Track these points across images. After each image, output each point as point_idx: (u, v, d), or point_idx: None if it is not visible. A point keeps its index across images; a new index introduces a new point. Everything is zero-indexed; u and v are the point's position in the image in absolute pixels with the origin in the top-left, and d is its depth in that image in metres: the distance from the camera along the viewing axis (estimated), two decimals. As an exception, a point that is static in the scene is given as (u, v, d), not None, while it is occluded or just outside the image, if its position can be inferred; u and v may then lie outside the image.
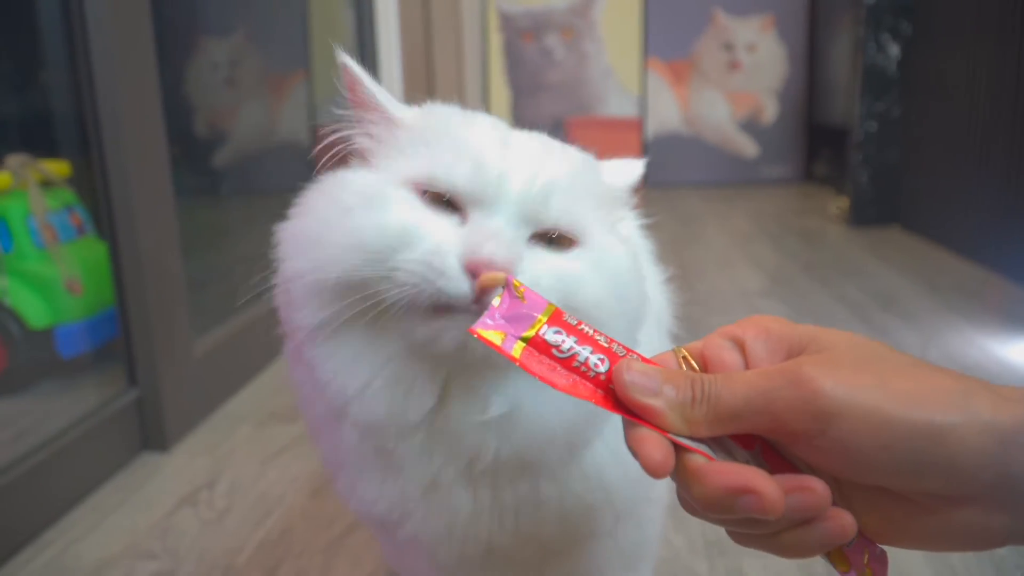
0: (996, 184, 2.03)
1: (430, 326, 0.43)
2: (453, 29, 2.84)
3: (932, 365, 0.35)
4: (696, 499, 0.34)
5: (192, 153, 2.03)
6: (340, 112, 0.51)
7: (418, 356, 0.45)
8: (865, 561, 0.35)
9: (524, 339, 0.35)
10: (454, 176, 0.45)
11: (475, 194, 0.45)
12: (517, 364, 0.35)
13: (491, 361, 0.43)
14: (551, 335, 0.36)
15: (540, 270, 0.44)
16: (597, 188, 0.51)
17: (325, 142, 0.52)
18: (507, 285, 0.37)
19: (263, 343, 1.59)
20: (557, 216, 0.46)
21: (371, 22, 2.35)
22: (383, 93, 0.50)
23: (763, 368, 0.36)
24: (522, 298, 0.37)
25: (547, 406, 0.46)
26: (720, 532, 0.95)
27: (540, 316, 0.36)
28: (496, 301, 0.37)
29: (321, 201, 0.48)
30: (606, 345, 0.36)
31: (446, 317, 0.43)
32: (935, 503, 0.34)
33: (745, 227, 2.75)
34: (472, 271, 0.41)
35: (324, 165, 0.52)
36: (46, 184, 1.35)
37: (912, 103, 2.58)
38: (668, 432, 0.35)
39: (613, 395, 0.35)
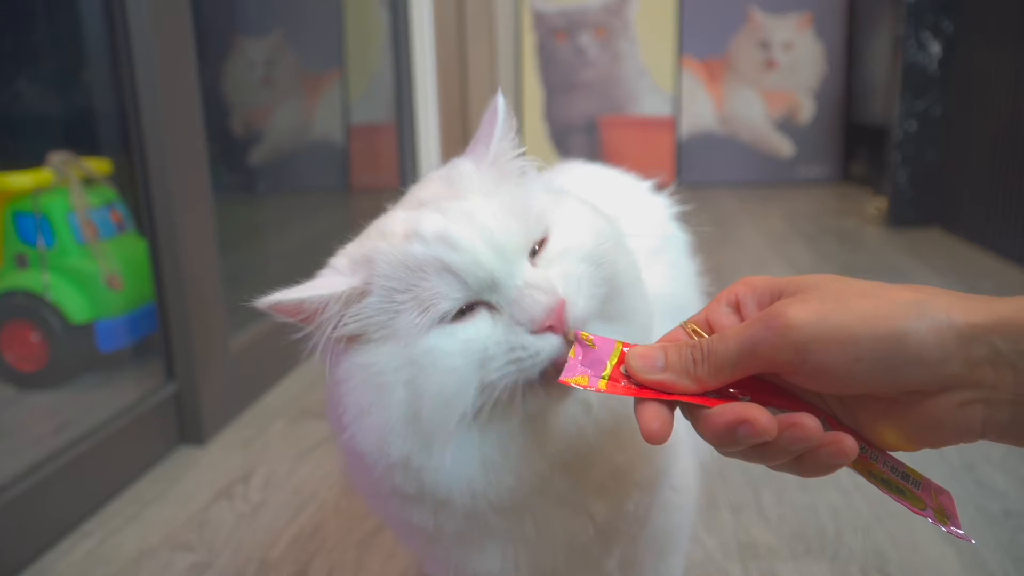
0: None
1: (544, 396, 0.47)
2: (487, 28, 2.84)
3: (896, 284, 0.40)
4: (709, 441, 0.40)
5: (229, 151, 2.06)
6: (302, 332, 0.51)
7: (530, 423, 0.49)
8: (935, 499, 0.42)
9: (605, 377, 0.43)
10: (453, 295, 0.46)
11: (475, 290, 0.46)
12: (605, 393, 0.43)
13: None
14: (623, 369, 0.43)
15: (569, 274, 0.48)
16: (497, 174, 0.53)
17: (312, 351, 0.51)
18: (578, 339, 0.44)
19: (300, 340, 1.60)
20: (531, 230, 0.49)
21: (406, 22, 2.36)
22: (314, 288, 0.49)
23: (748, 319, 0.42)
24: (593, 345, 0.44)
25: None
26: (753, 534, 0.95)
27: (612, 355, 0.44)
28: (572, 354, 0.44)
29: (372, 395, 0.47)
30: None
31: (547, 389, 0.47)
32: (915, 398, 0.39)
33: (780, 228, 2.72)
34: (546, 329, 0.45)
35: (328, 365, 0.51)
36: (88, 181, 1.37)
37: (953, 102, 2.53)
38: (683, 395, 0.41)
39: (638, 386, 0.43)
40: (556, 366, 0.45)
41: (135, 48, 1.14)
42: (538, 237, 0.49)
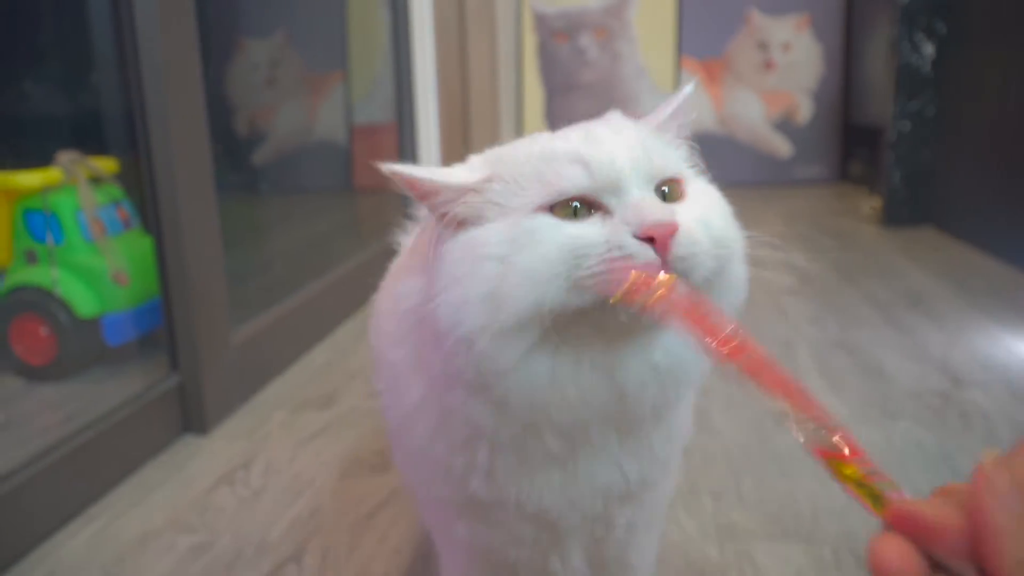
0: (1029, 184, 2.02)
1: (625, 313, 0.47)
2: (487, 29, 2.88)
3: None
4: None
5: (233, 151, 2.10)
6: (417, 213, 0.53)
7: (611, 349, 0.49)
8: None
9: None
10: (574, 181, 0.49)
11: (600, 185, 0.49)
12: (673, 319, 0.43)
13: (655, 327, 0.49)
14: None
15: (689, 217, 0.49)
16: (661, 137, 0.56)
17: (422, 233, 0.54)
18: (688, 295, 0.44)
19: (299, 334, 1.65)
20: (661, 165, 0.51)
21: (406, 23, 2.40)
22: (439, 173, 0.52)
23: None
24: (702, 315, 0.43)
25: (689, 356, 0.52)
26: (732, 518, 0.99)
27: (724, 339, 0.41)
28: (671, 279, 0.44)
29: (466, 264, 0.49)
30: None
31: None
32: None
33: (777, 227, 2.76)
34: (648, 237, 0.46)
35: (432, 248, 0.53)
36: (95, 180, 1.42)
37: (946, 103, 2.57)
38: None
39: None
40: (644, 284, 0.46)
41: (141, 51, 1.19)
42: (670, 174, 0.51)
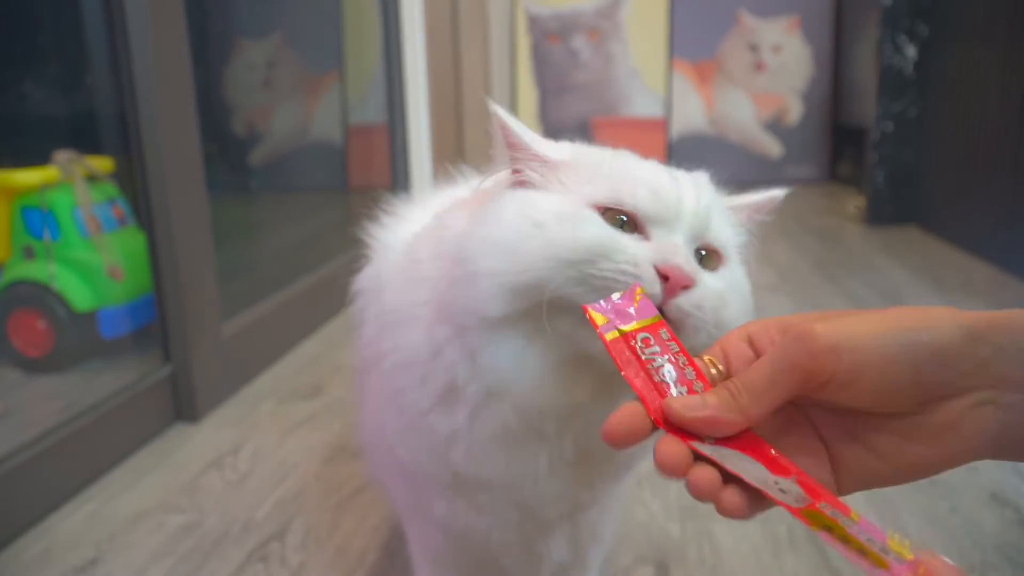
0: (1008, 184, 2.07)
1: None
2: (480, 31, 2.93)
3: (893, 308, 0.43)
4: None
5: (229, 151, 2.14)
6: (497, 152, 0.58)
7: (577, 358, 0.53)
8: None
9: (620, 331, 0.43)
10: (638, 198, 0.52)
11: (656, 214, 0.52)
12: (606, 346, 0.42)
13: None
14: (641, 337, 0.43)
15: (708, 285, 0.51)
16: (729, 214, 0.60)
17: (493, 176, 0.59)
18: (633, 289, 0.46)
19: (289, 328, 1.70)
20: (715, 235, 0.55)
21: (397, 26, 2.45)
22: (531, 135, 0.57)
23: (774, 343, 0.43)
24: (636, 303, 0.45)
25: None
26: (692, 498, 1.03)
27: (641, 321, 0.44)
28: (616, 296, 0.45)
29: (511, 215, 0.53)
30: (681, 366, 0.42)
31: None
32: (933, 406, 0.41)
33: (764, 226, 2.80)
34: (664, 275, 0.48)
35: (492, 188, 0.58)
36: (91, 178, 1.46)
37: (929, 104, 2.62)
38: (730, 427, 0.40)
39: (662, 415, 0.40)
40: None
41: (134, 54, 1.24)
42: (715, 244, 0.54)
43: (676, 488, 1.09)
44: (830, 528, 0.38)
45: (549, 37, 3.70)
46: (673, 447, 0.40)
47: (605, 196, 0.53)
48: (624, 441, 0.40)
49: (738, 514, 0.40)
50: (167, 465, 1.20)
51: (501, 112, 0.56)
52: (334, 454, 1.22)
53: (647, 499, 1.05)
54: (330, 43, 2.56)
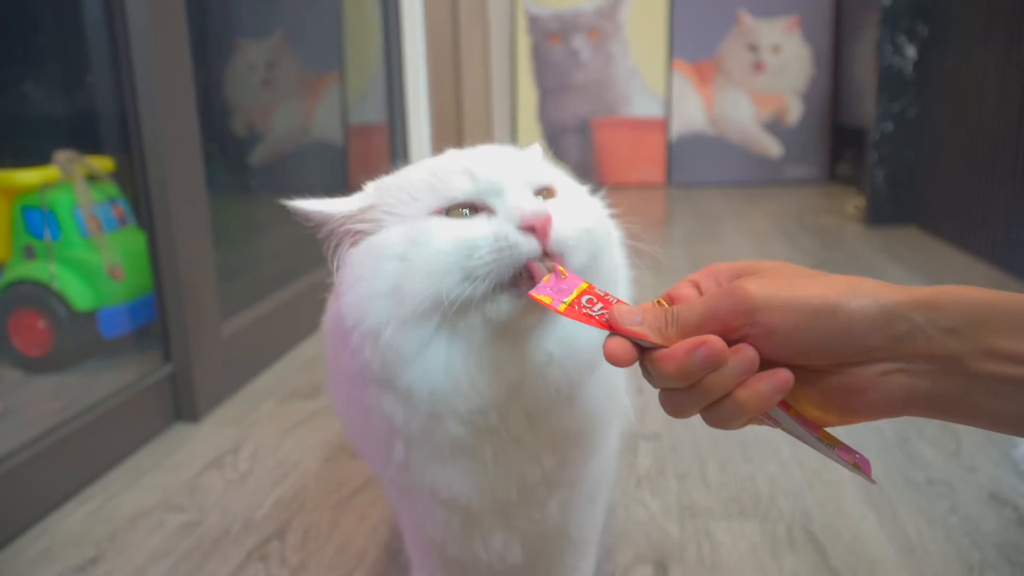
0: (1008, 184, 2.07)
1: (511, 302, 0.54)
2: (480, 31, 2.93)
3: (838, 274, 0.47)
4: (667, 376, 0.46)
5: (229, 151, 2.14)
6: (323, 243, 0.60)
7: (500, 339, 0.55)
8: (852, 460, 0.49)
9: (566, 303, 0.49)
10: (461, 187, 0.56)
11: (483, 189, 0.56)
12: (561, 315, 0.49)
13: (546, 323, 0.56)
14: (584, 300, 0.49)
15: (559, 211, 0.56)
16: (537, 157, 0.65)
17: (329, 249, 0.61)
18: (554, 270, 0.51)
19: (288, 328, 1.70)
20: (538, 176, 0.59)
21: (397, 26, 2.45)
22: (328, 204, 0.60)
23: (712, 292, 0.49)
24: (564, 276, 0.50)
25: (579, 340, 0.58)
26: (694, 498, 1.04)
27: (577, 289, 0.50)
28: (546, 279, 0.50)
29: (369, 265, 0.56)
30: (613, 301, 0.50)
31: (518, 293, 0.54)
32: (844, 368, 0.45)
33: (763, 225, 2.81)
34: (530, 228, 0.52)
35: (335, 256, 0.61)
36: (91, 178, 1.47)
37: (928, 104, 2.62)
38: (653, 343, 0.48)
39: (611, 328, 0.49)
40: (527, 277, 0.52)
41: (134, 54, 1.24)
42: (544, 182, 0.59)
43: (676, 487, 1.09)
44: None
45: (549, 37, 3.70)
46: (618, 342, 0.47)
47: (435, 202, 0.56)
48: (622, 355, 0.47)
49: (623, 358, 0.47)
50: (167, 464, 1.20)
51: (295, 204, 0.59)
52: (334, 453, 1.22)
53: (647, 499, 1.06)
54: (330, 43, 2.56)
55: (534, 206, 0.54)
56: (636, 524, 1.00)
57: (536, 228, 0.53)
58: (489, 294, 0.53)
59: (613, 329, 0.48)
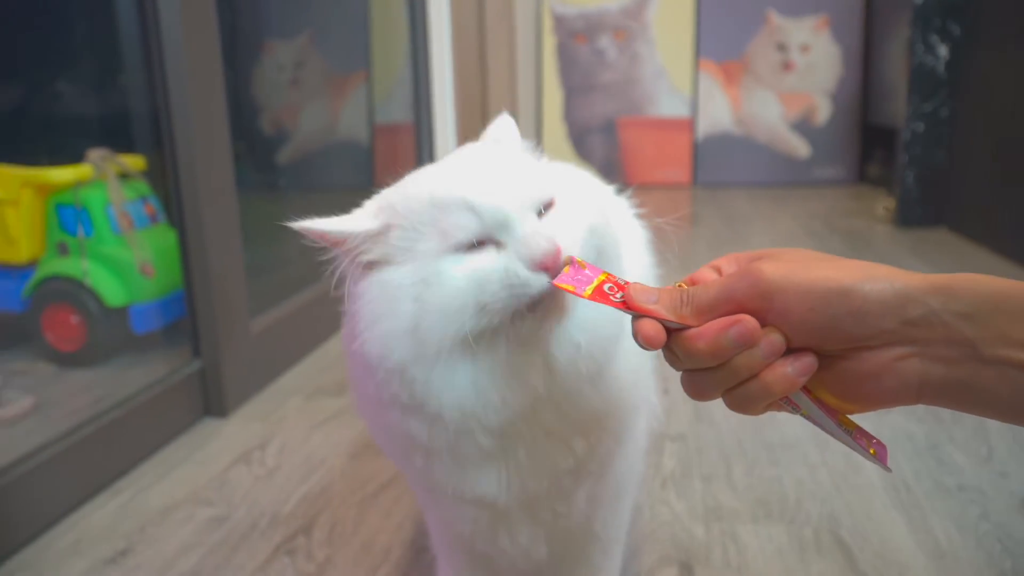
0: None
1: (530, 323, 0.55)
2: (506, 31, 2.93)
3: (851, 259, 0.48)
4: (696, 355, 0.47)
5: (259, 150, 2.16)
6: (332, 259, 0.60)
7: (523, 349, 0.56)
8: (870, 447, 0.49)
9: (589, 289, 0.51)
10: (468, 228, 0.55)
11: (491, 226, 0.55)
12: (588, 299, 0.51)
13: (564, 319, 0.57)
14: (607, 287, 0.51)
15: (564, 222, 0.57)
16: (529, 153, 0.64)
17: (337, 277, 0.60)
18: (573, 262, 0.53)
19: (315, 325, 1.71)
20: (541, 192, 0.58)
21: (424, 25, 2.46)
22: (342, 223, 0.58)
23: (728, 274, 0.50)
24: (584, 267, 0.53)
25: (601, 324, 0.59)
26: (720, 500, 1.03)
27: (598, 278, 0.52)
28: (566, 270, 0.52)
29: (385, 305, 0.56)
30: (624, 284, 0.51)
31: (535, 316, 0.55)
32: (858, 353, 0.45)
33: (790, 227, 2.79)
34: (542, 268, 0.52)
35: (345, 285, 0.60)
36: (124, 176, 1.49)
37: (960, 104, 2.58)
38: (657, 314, 0.49)
39: (627, 308, 0.50)
40: (544, 301, 0.53)
41: (167, 55, 1.26)
42: (546, 199, 0.58)
43: (701, 489, 1.08)
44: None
45: (575, 37, 3.69)
46: (647, 322, 0.48)
47: (444, 246, 0.55)
48: (653, 335, 0.48)
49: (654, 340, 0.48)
50: (196, 459, 1.22)
51: (306, 224, 0.58)
52: (360, 450, 1.23)
53: (672, 500, 1.05)
54: (357, 43, 2.58)
55: (543, 245, 0.53)
56: (661, 525, 1.00)
57: (549, 267, 0.52)
58: (507, 320, 0.54)
59: (629, 308, 0.49)
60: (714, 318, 0.47)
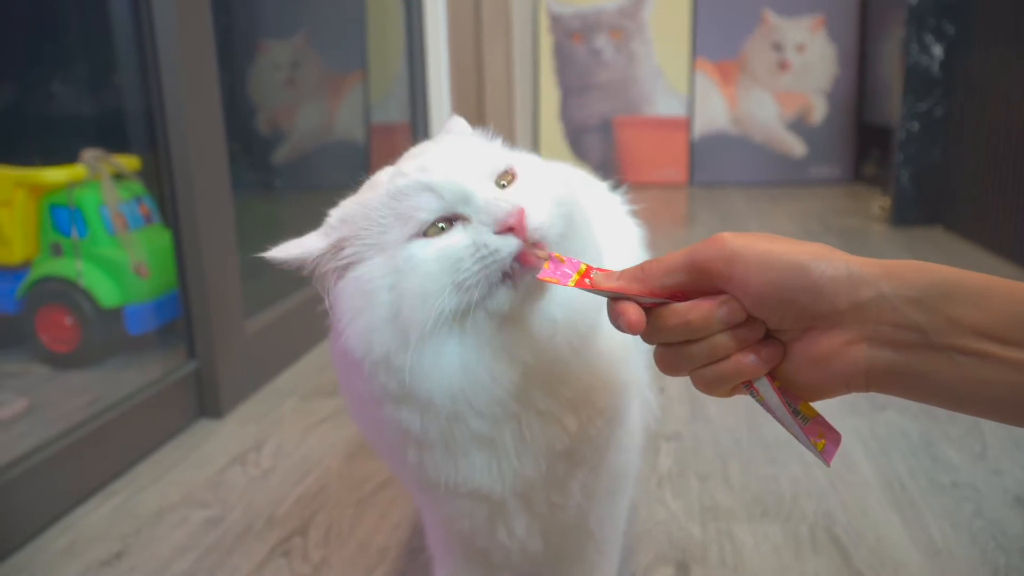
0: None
1: (508, 293, 0.55)
2: (503, 31, 2.93)
3: (814, 243, 0.49)
4: (671, 329, 0.49)
5: (253, 150, 2.16)
6: (314, 282, 0.60)
7: (508, 326, 0.56)
8: (822, 437, 0.50)
9: (572, 280, 0.52)
10: (431, 206, 0.55)
11: (452, 202, 0.55)
12: (574, 288, 0.52)
13: (543, 296, 0.58)
14: (587, 282, 0.52)
15: (526, 191, 0.57)
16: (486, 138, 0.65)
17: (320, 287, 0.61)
18: (552, 257, 0.53)
19: (310, 327, 1.71)
20: (496, 162, 0.58)
21: (420, 25, 2.46)
22: (290, 249, 0.59)
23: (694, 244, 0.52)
24: (563, 261, 0.53)
25: (575, 297, 0.59)
26: (716, 499, 1.03)
27: (579, 270, 0.53)
28: (546, 265, 0.52)
29: (362, 299, 0.56)
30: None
31: (513, 284, 0.55)
32: (811, 335, 0.47)
33: (786, 226, 2.79)
34: (507, 229, 0.53)
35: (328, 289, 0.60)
36: (118, 176, 1.48)
37: (955, 104, 2.59)
38: (633, 293, 0.50)
39: (598, 290, 0.52)
40: (518, 267, 0.53)
41: (161, 55, 1.25)
42: (502, 168, 0.58)
43: (697, 488, 1.08)
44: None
45: (572, 36, 3.69)
46: (624, 303, 0.50)
47: (409, 230, 0.55)
48: (635, 319, 0.49)
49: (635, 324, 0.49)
50: (191, 460, 1.21)
51: (269, 255, 0.59)
52: (356, 451, 1.23)
53: (668, 499, 1.05)
54: (353, 43, 2.57)
55: (504, 206, 0.53)
56: (657, 524, 1.00)
57: (513, 227, 0.53)
58: (485, 294, 0.54)
59: (596, 289, 0.51)
60: (674, 282, 0.49)
